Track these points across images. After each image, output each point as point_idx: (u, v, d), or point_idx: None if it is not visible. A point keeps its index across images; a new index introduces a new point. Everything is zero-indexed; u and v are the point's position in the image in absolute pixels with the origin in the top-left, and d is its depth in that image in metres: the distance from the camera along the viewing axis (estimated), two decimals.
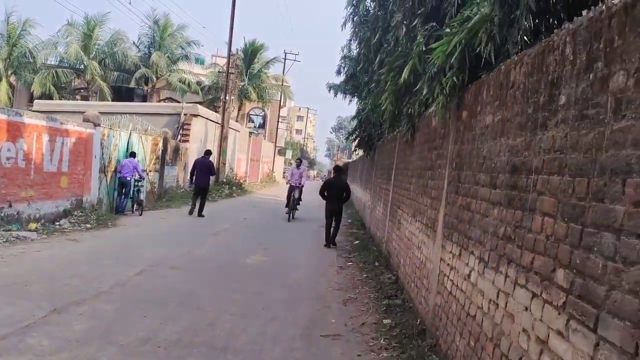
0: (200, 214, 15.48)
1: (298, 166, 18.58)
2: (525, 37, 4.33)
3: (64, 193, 12.10)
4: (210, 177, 16.27)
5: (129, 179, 14.24)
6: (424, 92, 6.05)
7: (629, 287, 2.10)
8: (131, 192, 14.51)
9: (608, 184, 2.37)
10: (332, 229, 12.57)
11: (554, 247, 2.84)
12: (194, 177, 15.62)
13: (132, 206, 14.74)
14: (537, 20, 4.51)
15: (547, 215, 2.98)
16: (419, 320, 6.15)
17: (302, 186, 17.94)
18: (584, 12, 2.92)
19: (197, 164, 15.90)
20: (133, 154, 14.83)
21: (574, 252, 2.61)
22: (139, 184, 14.76)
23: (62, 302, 5.90)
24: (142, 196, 15.13)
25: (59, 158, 11.77)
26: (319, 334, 5.89)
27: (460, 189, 5.05)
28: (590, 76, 2.66)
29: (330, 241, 12.44)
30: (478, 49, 4.56)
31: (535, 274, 3.04)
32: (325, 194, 12.78)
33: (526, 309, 3.11)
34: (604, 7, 2.62)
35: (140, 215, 14.55)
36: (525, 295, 3.14)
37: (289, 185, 17.98)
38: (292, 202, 17.38)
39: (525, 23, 4.17)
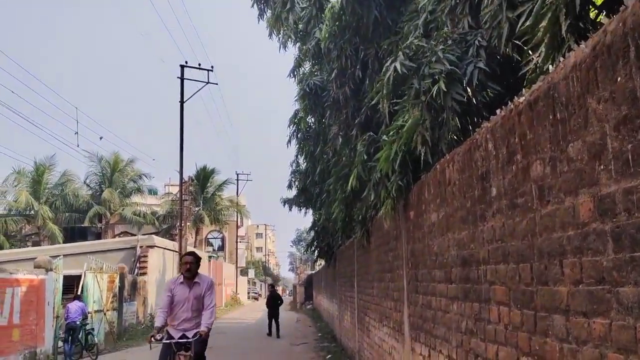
0: None
1: (190, 276, 6.40)
2: (454, 136, 4.66)
3: (16, 347, 11.34)
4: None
5: (77, 323, 13.42)
6: (372, 198, 6.26)
7: None
8: (80, 336, 13.60)
9: (548, 266, 2.47)
10: (275, 326, 18.39)
11: (513, 336, 2.86)
12: None
13: (82, 351, 13.75)
14: (463, 121, 4.88)
15: (502, 304, 3.03)
16: None
17: (203, 336, 6.27)
18: (498, 111, 3.19)
19: None
20: (78, 297, 14.20)
21: (531, 338, 2.64)
22: (88, 327, 14.00)
23: None
24: (95, 339, 14.27)
25: (9, 310, 11.16)
26: None
27: (420, 287, 5.09)
28: (513, 167, 2.86)
29: (274, 333, 18.20)
30: (416, 151, 4.85)
31: None
32: (268, 303, 19.17)
33: None
34: (512, 105, 2.89)
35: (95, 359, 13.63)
36: None
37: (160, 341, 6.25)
38: None
39: (453, 123, 4.50)
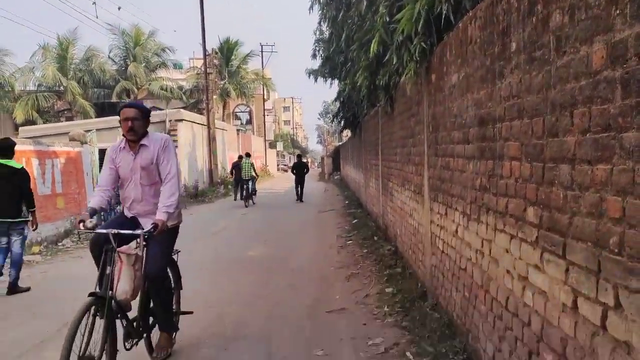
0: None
1: (135, 138, 4.37)
2: None
3: (62, 214, 12.19)
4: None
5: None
6: (394, 62, 6.16)
7: (587, 211, 2.24)
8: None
9: (559, 118, 2.50)
10: (299, 191, 21.10)
11: (522, 188, 2.97)
12: (234, 173, 21.25)
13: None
14: None
15: (514, 159, 3.11)
16: (419, 284, 6.31)
17: (160, 228, 4.08)
18: None
19: (234, 165, 21.62)
20: None
21: (539, 188, 2.75)
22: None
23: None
24: None
25: (51, 180, 11.85)
26: (324, 310, 6.05)
27: (439, 150, 5.18)
28: (533, 19, 2.78)
29: (299, 198, 20.81)
30: (438, 9, 4.67)
31: (511, 216, 3.18)
32: (294, 171, 22.10)
33: (507, 251, 3.25)
34: None
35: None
36: (505, 238, 3.28)
37: (91, 231, 4.02)
38: None
39: None
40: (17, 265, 7.33)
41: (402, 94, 7.44)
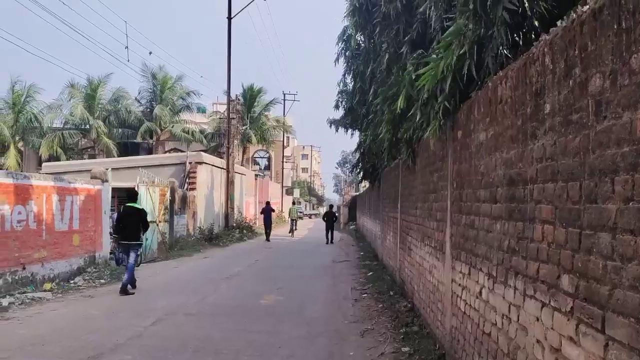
0: (268, 239, 25.30)
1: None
2: (505, 51, 4.44)
3: (76, 251, 12.17)
4: (272, 215, 26.68)
5: None
6: (418, 118, 6.15)
7: (629, 284, 2.11)
8: None
9: (598, 184, 2.41)
10: (329, 236, 25.17)
11: (556, 254, 2.85)
12: (263, 217, 26.82)
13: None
14: (514, 35, 4.63)
15: (546, 223, 3.00)
16: (437, 345, 6.08)
17: None
18: (559, 23, 3.02)
19: (264, 209, 27.02)
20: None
21: (575, 256, 2.63)
22: None
23: (79, 359, 5.90)
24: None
25: (69, 216, 11.90)
26: None
27: (463, 207, 5.08)
28: (570, 82, 2.73)
29: (330, 241, 24.87)
30: (464, 69, 4.66)
31: (542, 282, 3.04)
32: (325, 218, 26.38)
33: (537, 319, 3.09)
34: (574, 15, 2.72)
35: (138, 266, 14.35)
36: (535, 305, 3.13)
37: None
38: None
39: (503, 37, 4.26)
40: (130, 271, 10.16)
41: (425, 148, 7.40)
